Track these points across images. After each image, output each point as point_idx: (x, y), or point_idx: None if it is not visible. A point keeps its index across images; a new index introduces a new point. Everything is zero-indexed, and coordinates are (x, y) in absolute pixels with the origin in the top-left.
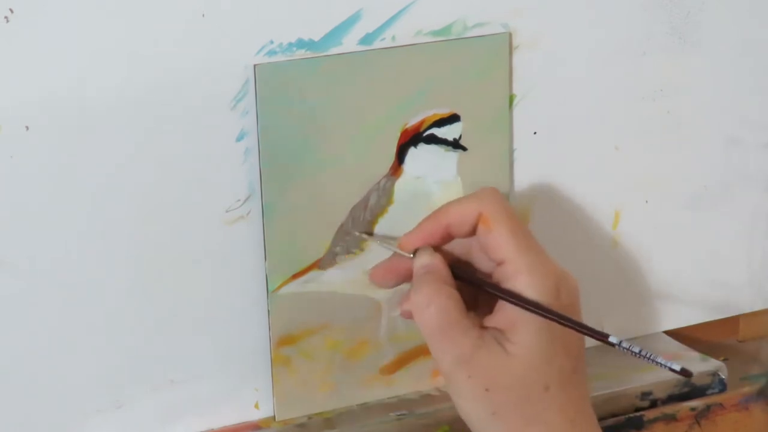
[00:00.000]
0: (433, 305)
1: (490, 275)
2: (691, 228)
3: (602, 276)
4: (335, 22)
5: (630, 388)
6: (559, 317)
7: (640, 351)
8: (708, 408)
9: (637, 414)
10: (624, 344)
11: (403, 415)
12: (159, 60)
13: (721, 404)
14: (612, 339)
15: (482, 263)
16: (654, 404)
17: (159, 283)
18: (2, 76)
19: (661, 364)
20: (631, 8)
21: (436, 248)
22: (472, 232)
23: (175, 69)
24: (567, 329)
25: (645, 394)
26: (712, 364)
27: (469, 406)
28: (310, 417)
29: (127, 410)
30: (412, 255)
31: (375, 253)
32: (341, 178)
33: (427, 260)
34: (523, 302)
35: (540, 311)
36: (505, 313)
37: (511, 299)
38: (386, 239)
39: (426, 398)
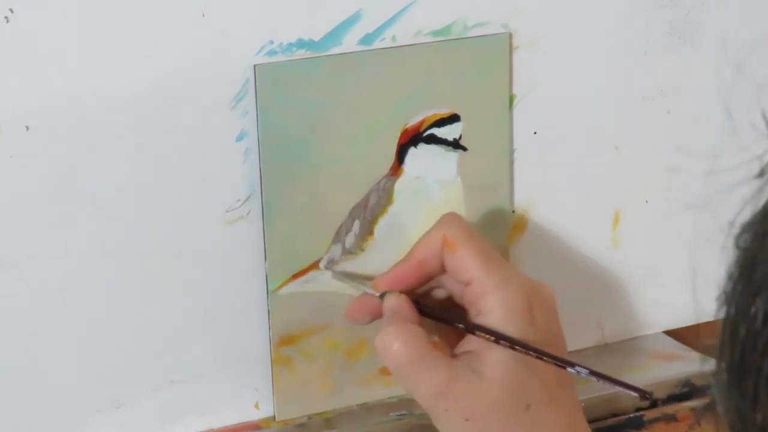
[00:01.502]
0: (397, 343)
1: (461, 298)
2: (690, 228)
3: (602, 276)
4: (335, 22)
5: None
6: (523, 346)
7: (606, 377)
8: (708, 408)
9: (637, 414)
10: (583, 372)
11: (403, 415)
12: (159, 60)
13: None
14: (579, 369)
15: (453, 288)
16: (654, 404)
17: (159, 283)
18: (2, 76)
19: (626, 387)
20: (631, 8)
21: (404, 292)
22: (443, 267)
23: (175, 69)
24: (546, 341)
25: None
26: (712, 364)
27: None
28: (310, 417)
29: (127, 410)
30: (379, 295)
31: (375, 253)
32: (341, 178)
33: (393, 302)
34: (490, 334)
35: (495, 338)
36: (475, 336)
37: (467, 329)
38: (357, 278)
39: None
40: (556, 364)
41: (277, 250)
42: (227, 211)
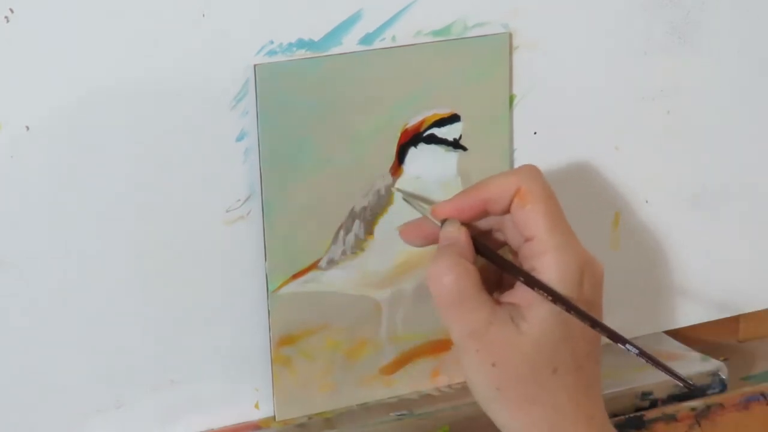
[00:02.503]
0: (448, 278)
1: (517, 251)
2: (691, 228)
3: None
4: (335, 22)
5: (630, 388)
6: (571, 308)
7: (654, 359)
8: (708, 408)
9: (638, 414)
10: (632, 349)
11: (403, 415)
12: (159, 60)
13: (721, 404)
14: (629, 347)
15: (512, 238)
16: (654, 404)
17: (159, 283)
18: (2, 76)
19: (673, 375)
20: (631, 8)
21: (467, 223)
22: (507, 210)
23: (175, 69)
24: (590, 310)
25: (645, 394)
26: (712, 364)
27: (474, 378)
28: (310, 417)
29: (127, 410)
30: (440, 223)
31: (375, 253)
32: (341, 178)
33: (452, 233)
34: (538, 286)
35: (553, 297)
36: (523, 290)
37: (527, 282)
38: (421, 200)
39: (426, 398)
40: (608, 336)
41: (277, 250)
42: (227, 211)
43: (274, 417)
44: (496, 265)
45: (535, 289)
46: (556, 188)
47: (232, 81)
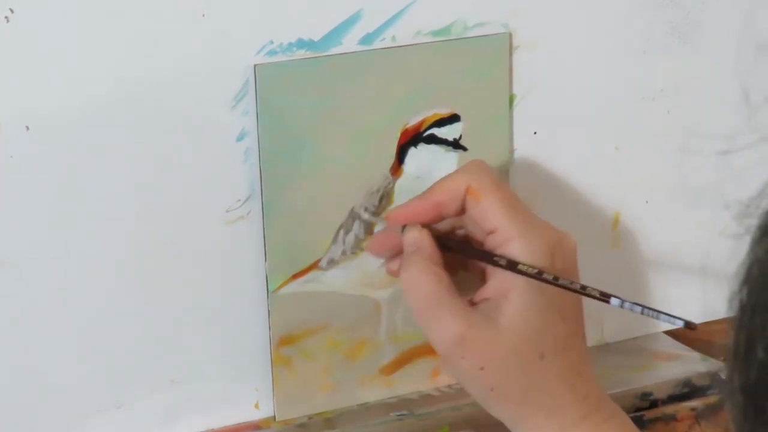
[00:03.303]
0: (421, 284)
1: (482, 244)
2: (690, 228)
3: (602, 276)
4: (335, 22)
5: (630, 388)
6: (556, 280)
7: (642, 309)
8: (708, 408)
9: (637, 414)
10: (626, 305)
11: (403, 415)
12: (159, 60)
13: (721, 404)
14: (613, 301)
15: (475, 236)
16: (654, 404)
17: (159, 283)
18: (2, 76)
19: (666, 315)
20: (631, 8)
21: (427, 225)
22: (461, 210)
23: (175, 69)
24: (562, 292)
25: (645, 395)
26: (712, 364)
27: (467, 384)
28: (310, 417)
29: (127, 410)
30: (401, 230)
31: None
32: (341, 178)
33: (415, 237)
34: (518, 267)
35: (536, 273)
36: (496, 282)
37: (508, 265)
38: (375, 215)
39: (426, 398)
40: (597, 298)
41: (277, 250)
42: (227, 211)
43: (274, 417)
44: (470, 256)
45: (518, 269)
46: (556, 188)
47: (232, 81)
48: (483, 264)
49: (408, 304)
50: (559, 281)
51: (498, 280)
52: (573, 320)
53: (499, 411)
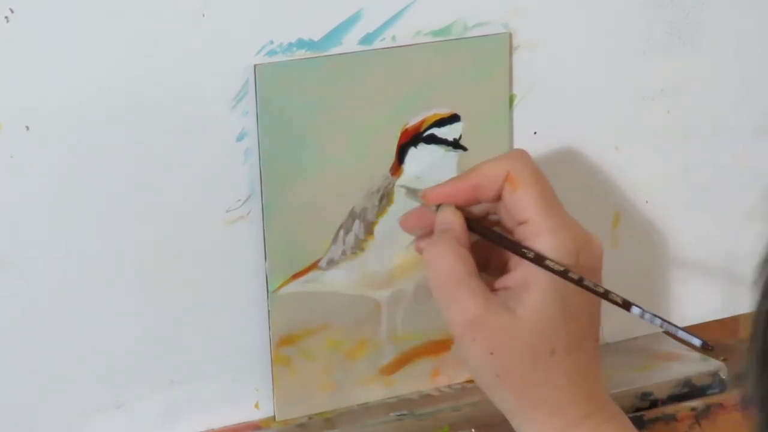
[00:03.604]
0: (444, 260)
1: (512, 233)
2: (691, 228)
3: (602, 275)
4: (335, 22)
5: (630, 388)
6: (581, 281)
7: (662, 323)
8: (708, 408)
9: (637, 414)
10: (646, 316)
11: (403, 415)
12: (159, 60)
13: (721, 404)
14: (634, 310)
15: (506, 223)
16: (654, 404)
17: (159, 283)
18: (2, 76)
19: (684, 332)
20: (630, 8)
21: (462, 208)
22: (498, 196)
23: (175, 69)
24: (582, 293)
25: (645, 394)
26: (712, 364)
27: (474, 367)
28: (310, 417)
29: (127, 410)
30: (435, 209)
31: (375, 253)
32: (341, 178)
33: (447, 218)
34: (545, 262)
35: (553, 269)
36: (519, 273)
37: (535, 259)
38: (416, 190)
39: (426, 398)
40: (618, 305)
41: (277, 250)
42: (227, 211)
43: (274, 417)
44: (499, 245)
45: (546, 262)
46: (556, 188)
47: (232, 81)
48: (509, 253)
49: (428, 281)
50: (583, 282)
51: (521, 271)
52: (589, 322)
53: (501, 400)
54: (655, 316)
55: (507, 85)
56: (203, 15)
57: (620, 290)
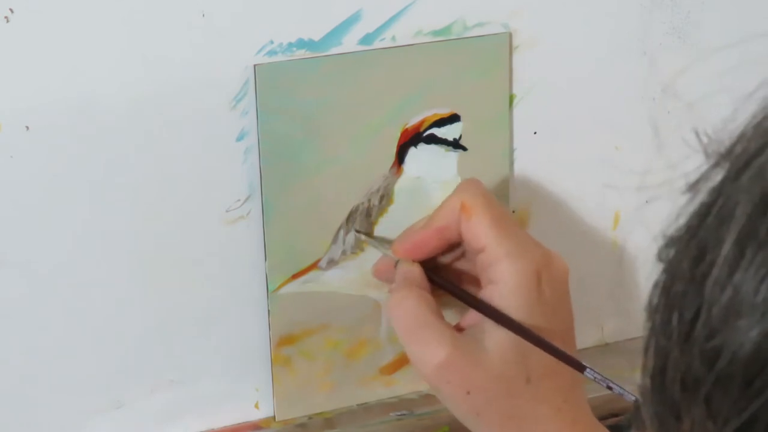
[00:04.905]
0: (407, 303)
1: (474, 266)
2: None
3: (602, 276)
4: (335, 22)
5: (630, 388)
6: (523, 332)
7: (609, 384)
8: None
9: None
10: (593, 374)
11: (403, 415)
12: (158, 60)
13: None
14: (588, 373)
15: (469, 255)
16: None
17: (159, 283)
18: (2, 76)
19: (614, 389)
20: (630, 8)
21: (426, 259)
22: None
23: (174, 69)
24: (551, 316)
25: None
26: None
27: (452, 407)
28: (310, 417)
29: (127, 410)
30: (395, 260)
31: (375, 254)
32: (341, 178)
33: (406, 268)
34: (491, 312)
35: (507, 325)
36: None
37: (482, 310)
38: (382, 241)
39: (426, 398)
40: (571, 364)
41: (277, 250)
42: (227, 211)
43: (274, 417)
44: (452, 294)
45: (482, 311)
46: (556, 188)
47: (232, 81)
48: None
49: (394, 327)
50: (538, 340)
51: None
52: (561, 343)
53: None
54: (606, 378)
55: (507, 84)
56: (203, 15)
57: (620, 290)
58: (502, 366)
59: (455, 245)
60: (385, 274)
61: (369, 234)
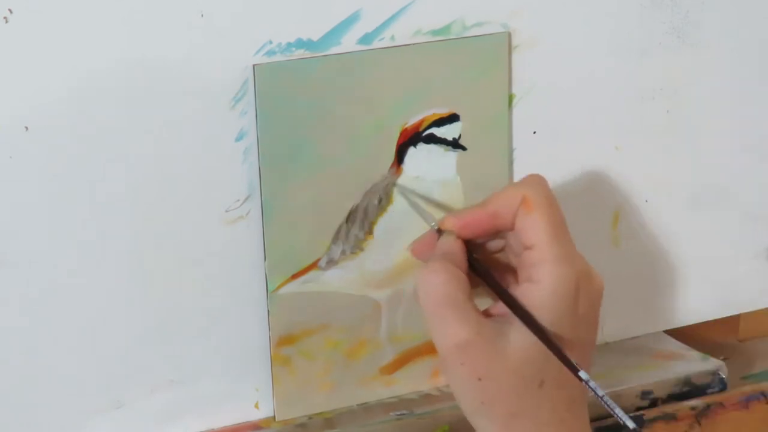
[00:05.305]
0: (438, 278)
1: (517, 257)
2: (691, 228)
3: (602, 276)
4: (334, 22)
5: (630, 387)
6: (542, 336)
7: (602, 396)
8: (708, 407)
9: (638, 413)
10: (592, 384)
11: (403, 415)
12: (158, 60)
13: (721, 403)
14: (585, 377)
15: (513, 249)
16: (654, 403)
17: (159, 283)
18: (2, 77)
19: (616, 415)
20: (630, 8)
21: (470, 240)
22: (513, 225)
23: (174, 69)
24: (579, 322)
25: (645, 394)
26: (713, 363)
27: (459, 391)
28: (310, 417)
29: (127, 410)
30: (437, 230)
31: (375, 253)
32: (341, 178)
33: (449, 243)
34: (518, 309)
35: (531, 327)
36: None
37: (511, 307)
38: (422, 202)
39: (426, 398)
40: (568, 368)
41: (277, 250)
42: (227, 211)
43: (274, 417)
44: (484, 280)
45: (513, 309)
46: (556, 188)
47: (231, 81)
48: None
49: (419, 297)
50: (555, 348)
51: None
52: (582, 353)
53: (482, 427)
54: (595, 392)
55: (506, 84)
56: (202, 15)
57: (620, 290)
58: (520, 362)
59: (500, 234)
60: (422, 253)
61: (415, 194)
